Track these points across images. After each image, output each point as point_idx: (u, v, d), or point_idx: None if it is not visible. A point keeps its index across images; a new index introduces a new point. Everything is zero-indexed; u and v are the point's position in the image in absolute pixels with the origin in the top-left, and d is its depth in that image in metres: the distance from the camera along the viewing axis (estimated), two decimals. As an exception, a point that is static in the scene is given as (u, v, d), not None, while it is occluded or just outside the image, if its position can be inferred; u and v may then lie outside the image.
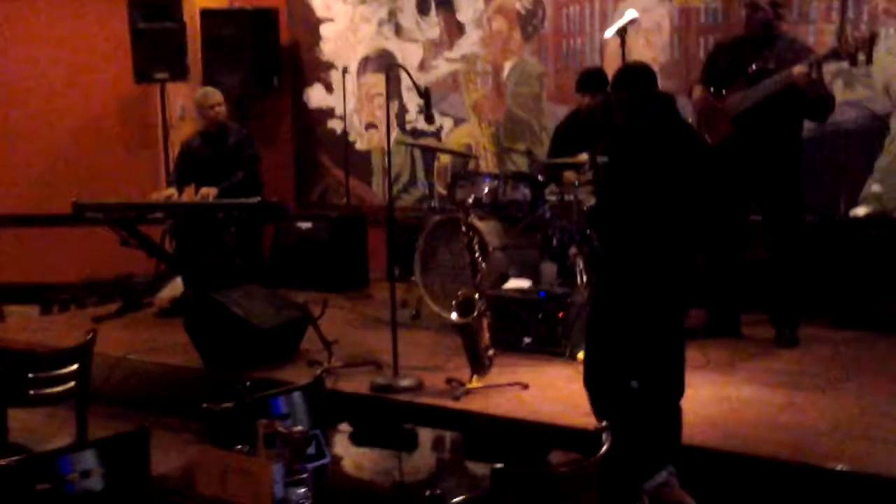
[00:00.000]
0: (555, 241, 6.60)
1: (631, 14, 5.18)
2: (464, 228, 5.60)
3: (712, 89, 6.23)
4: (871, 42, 5.68)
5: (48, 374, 4.52)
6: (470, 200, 5.70)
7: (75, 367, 4.57)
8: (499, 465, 2.75)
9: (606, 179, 4.29)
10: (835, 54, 5.92)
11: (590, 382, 4.37)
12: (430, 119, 5.81)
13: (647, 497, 4.08)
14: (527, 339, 6.18)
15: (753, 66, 6.08)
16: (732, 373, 5.69)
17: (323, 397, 3.67)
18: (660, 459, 4.15)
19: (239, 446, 3.06)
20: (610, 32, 5.22)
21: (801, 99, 5.95)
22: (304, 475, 2.92)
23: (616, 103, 4.39)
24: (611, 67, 4.68)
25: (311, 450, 3.21)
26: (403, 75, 8.47)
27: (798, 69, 5.80)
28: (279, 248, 8.70)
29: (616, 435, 2.91)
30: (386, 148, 6.09)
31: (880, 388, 5.32)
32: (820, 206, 6.83)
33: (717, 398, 5.23)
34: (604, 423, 2.99)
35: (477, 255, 5.55)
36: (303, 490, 2.90)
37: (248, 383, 3.28)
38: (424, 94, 5.74)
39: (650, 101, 4.27)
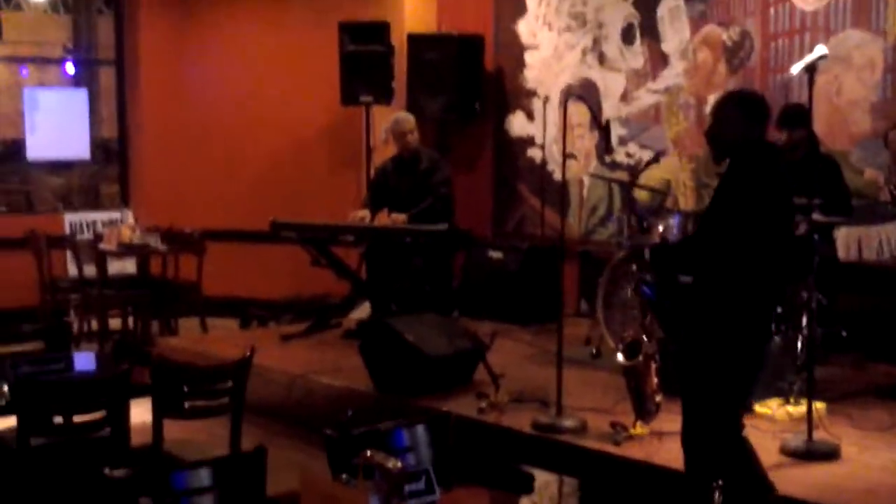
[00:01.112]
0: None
1: (820, 50, 4.87)
2: (634, 267, 5.41)
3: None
4: None
5: (204, 387, 4.66)
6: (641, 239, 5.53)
7: (230, 383, 4.67)
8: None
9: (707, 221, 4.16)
10: None
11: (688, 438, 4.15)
12: (608, 150, 5.74)
13: None
14: (702, 386, 5.89)
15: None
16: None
17: (449, 432, 3.57)
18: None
19: (344, 475, 3.01)
20: (797, 68, 4.93)
21: None
22: (401, 511, 2.84)
23: (726, 122, 4.22)
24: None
25: (419, 485, 3.14)
26: (605, 105, 8.40)
27: None
28: (469, 275, 8.68)
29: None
30: (562, 178, 5.99)
31: None
32: None
33: (897, 464, 4.87)
34: (720, 482, 2.79)
35: (648, 295, 5.34)
36: (397, 526, 2.83)
37: (350, 413, 3.23)
38: (604, 127, 5.66)
39: (759, 146, 4.07)
